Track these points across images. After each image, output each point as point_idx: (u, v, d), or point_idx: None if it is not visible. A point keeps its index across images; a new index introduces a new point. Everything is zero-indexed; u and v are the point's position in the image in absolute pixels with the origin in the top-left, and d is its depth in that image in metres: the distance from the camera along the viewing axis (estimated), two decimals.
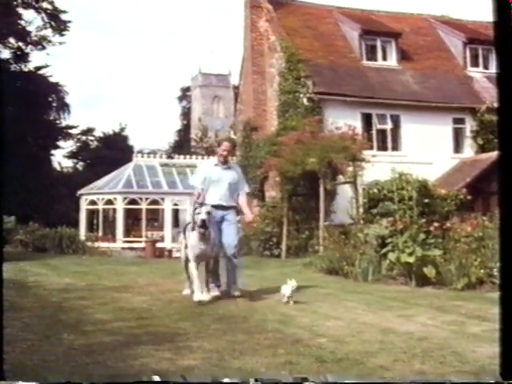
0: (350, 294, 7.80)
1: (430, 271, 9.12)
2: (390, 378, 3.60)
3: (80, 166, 44.55)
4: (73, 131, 41.08)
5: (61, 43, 32.84)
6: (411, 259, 9.28)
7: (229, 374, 3.68)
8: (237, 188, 7.36)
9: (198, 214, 6.66)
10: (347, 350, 4.36)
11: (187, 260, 7.05)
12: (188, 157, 27.58)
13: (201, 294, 6.59)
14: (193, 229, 6.77)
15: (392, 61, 22.36)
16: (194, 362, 3.97)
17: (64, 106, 36.41)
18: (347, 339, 4.79)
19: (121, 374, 3.63)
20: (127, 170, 24.97)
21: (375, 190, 15.32)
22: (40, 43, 32.04)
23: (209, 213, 6.71)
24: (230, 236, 7.19)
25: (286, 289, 6.60)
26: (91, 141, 45.08)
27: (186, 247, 7.10)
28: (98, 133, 45.28)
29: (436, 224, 10.29)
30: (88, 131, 44.08)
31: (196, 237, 6.73)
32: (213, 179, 7.23)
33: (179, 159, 26.95)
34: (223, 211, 7.23)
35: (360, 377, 3.46)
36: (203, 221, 6.59)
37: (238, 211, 7.47)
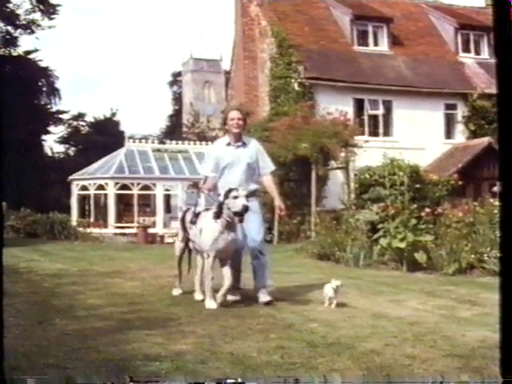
0: (342, 279, 7.79)
1: (421, 256, 9.17)
2: (380, 362, 3.62)
3: (71, 151, 44.39)
4: (64, 116, 40.99)
5: (50, 27, 32.63)
6: (402, 245, 9.33)
7: (220, 358, 3.70)
8: (256, 168, 6.11)
9: (235, 197, 5.41)
10: (338, 335, 4.38)
11: (183, 254, 6.29)
12: (180, 142, 27.50)
13: (213, 301, 5.51)
14: (217, 216, 5.53)
15: (383, 46, 22.35)
16: (185, 347, 3.97)
17: (54, 91, 36.21)
18: (339, 324, 4.81)
19: (113, 359, 3.64)
20: (119, 156, 24.87)
21: (367, 176, 15.34)
22: (29, 27, 31.79)
23: (248, 195, 5.53)
24: (254, 228, 5.90)
25: (328, 289, 5.61)
26: (82, 126, 44.90)
27: (183, 239, 6.17)
28: (89, 118, 45.15)
29: (427, 209, 10.32)
30: (79, 116, 43.87)
31: (220, 226, 5.51)
32: (226, 162, 5.98)
33: (171, 144, 26.85)
34: None
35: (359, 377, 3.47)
36: (245, 207, 5.39)
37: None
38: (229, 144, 6.06)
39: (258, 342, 4.16)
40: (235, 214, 5.43)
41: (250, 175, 6.05)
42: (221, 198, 5.55)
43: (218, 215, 5.51)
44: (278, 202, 6.11)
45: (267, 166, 6.21)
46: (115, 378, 3.25)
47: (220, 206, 5.52)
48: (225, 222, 5.50)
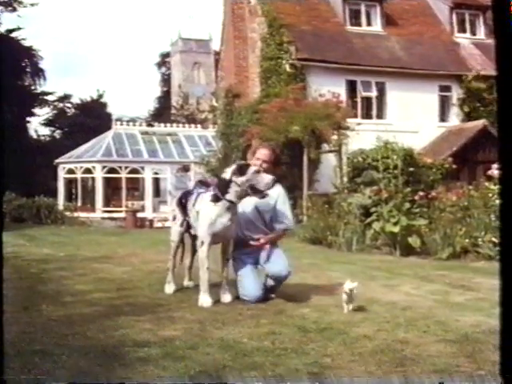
0: (334, 264, 7.87)
1: (414, 241, 9.23)
2: (372, 347, 3.64)
3: (57, 133, 44.09)
4: (49, 98, 40.70)
5: (32, 5, 32.23)
6: (396, 229, 9.38)
7: (210, 343, 3.71)
8: (267, 219, 5.36)
9: (257, 172, 4.90)
10: (330, 320, 4.40)
11: (181, 241, 5.82)
12: (169, 125, 27.43)
13: (208, 298, 5.00)
14: (215, 199, 5.01)
15: (377, 26, 22.22)
16: (175, 333, 3.98)
17: (39, 72, 35.92)
18: (330, 309, 4.83)
19: (101, 345, 3.64)
20: (106, 138, 24.80)
21: (360, 159, 15.37)
22: (10, 4, 31.39)
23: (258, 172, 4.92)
24: (279, 262, 5.19)
25: (342, 293, 4.91)
26: (68, 108, 44.57)
27: (182, 224, 5.61)
28: (75, 99, 44.78)
29: (421, 193, 10.37)
30: (65, 98, 43.52)
31: (219, 209, 4.99)
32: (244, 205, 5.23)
33: (160, 127, 26.81)
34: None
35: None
36: (274, 180, 4.87)
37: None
38: None
39: (248, 327, 4.17)
40: (257, 191, 4.87)
41: (253, 221, 5.32)
42: (227, 175, 5.00)
43: (216, 198, 5.00)
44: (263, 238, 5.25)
45: (284, 219, 5.37)
46: (103, 365, 3.25)
47: (226, 185, 4.96)
48: (226, 205, 4.97)
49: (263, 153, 5.31)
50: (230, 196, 4.97)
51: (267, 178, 4.88)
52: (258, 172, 4.90)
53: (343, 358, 3.43)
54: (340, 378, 3.07)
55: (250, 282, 5.17)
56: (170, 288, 5.66)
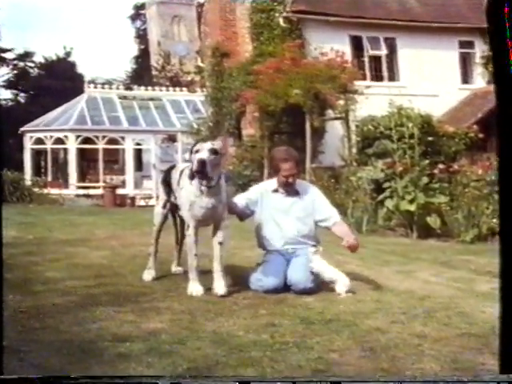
0: (342, 247, 7.86)
1: (434, 221, 9.24)
2: (385, 341, 3.65)
3: (21, 97, 43.75)
4: (7, 55, 40.25)
5: None
6: (412, 207, 9.38)
7: (201, 337, 3.72)
8: (312, 218, 5.55)
9: (197, 151, 4.94)
10: (338, 311, 4.42)
11: (163, 224, 5.81)
12: (150, 88, 27.27)
13: (198, 286, 5.06)
14: (191, 177, 5.05)
15: None
16: (160, 325, 3.99)
17: None
18: (338, 298, 4.85)
19: (75, 340, 3.64)
20: (79, 104, 24.67)
21: (370, 127, 15.33)
22: None
23: (214, 151, 4.97)
24: (300, 270, 5.22)
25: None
26: (31, 67, 44.06)
27: (165, 205, 5.73)
28: (39, 58, 44.27)
29: (441, 166, 10.37)
30: (26, 56, 42.98)
31: (195, 188, 5.07)
32: (269, 211, 5.50)
33: (140, 91, 26.66)
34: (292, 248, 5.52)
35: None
36: (202, 162, 4.87)
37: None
38: (276, 190, 5.55)
39: (245, 318, 4.19)
40: (196, 171, 4.91)
41: (306, 228, 5.52)
42: (187, 156, 5.23)
43: (192, 175, 5.02)
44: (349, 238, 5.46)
45: (330, 215, 5.58)
46: (78, 362, 3.26)
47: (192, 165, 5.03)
48: (200, 185, 5.02)
49: (286, 168, 5.43)
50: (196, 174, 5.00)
51: (197, 157, 4.88)
52: (196, 151, 4.94)
53: (352, 353, 3.45)
54: (348, 376, 3.09)
55: (273, 269, 5.25)
56: (149, 274, 5.72)
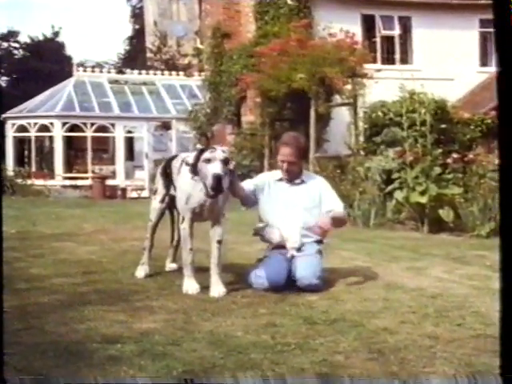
0: (348, 242, 7.89)
1: (446, 214, 9.24)
2: (394, 343, 3.66)
3: (3, 81, 43.71)
4: None
5: None
6: (423, 199, 9.39)
7: (197, 338, 3.73)
8: (319, 210, 5.52)
9: (208, 161, 4.88)
10: (343, 310, 4.43)
11: (160, 219, 5.87)
12: (144, 72, 27.23)
13: (194, 283, 5.09)
14: (193, 171, 5.02)
15: None
16: (153, 326, 4.00)
17: None
18: (343, 296, 4.86)
19: (62, 342, 3.65)
20: (66, 88, 24.63)
21: (379, 114, 15.28)
22: None
23: (227, 161, 4.96)
24: (306, 265, 5.21)
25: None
26: (15, 48, 44.04)
27: (163, 199, 5.73)
28: (24, 38, 44.20)
29: (455, 155, 10.35)
30: (9, 35, 42.94)
31: (195, 182, 5.05)
32: (275, 201, 5.53)
33: (133, 75, 26.62)
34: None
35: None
36: (218, 179, 4.81)
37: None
38: (281, 179, 5.61)
39: (244, 318, 4.20)
40: (211, 188, 4.85)
41: (311, 219, 5.45)
42: (189, 159, 5.06)
43: (194, 171, 5.01)
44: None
45: (333, 205, 5.51)
46: (65, 365, 3.26)
47: (193, 162, 5.03)
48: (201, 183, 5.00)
49: (284, 153, 5.50)
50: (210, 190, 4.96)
51: (211, 170, 4.83)
52: (208, 161, 4.88)
53: (358, 355, 3.45)
54: (355, 380, 3.10)
55: (275, 264, 5.25)
56: (141, 271, 5.75)
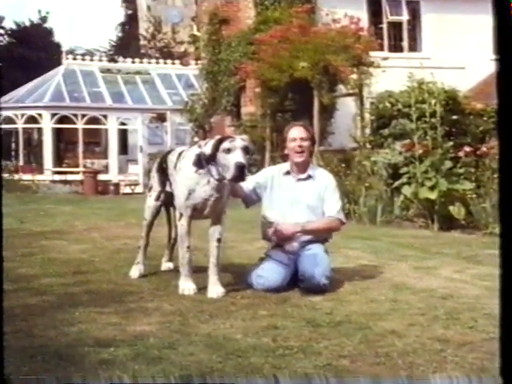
0: (353, 240, 7.89)
1: (457, 210, 9.24)
2: (403, 346, 3.66)
3: None
4: None
5: None
6: (433, 195, 9.39)
7: (194, 341, 3.73)
8: (321, 209, 5.53)
9: (228, 151, 4.86)
10: (349, 311, 4.44)
11: (156, 217, 5.86)
12: (137, 60, 27.20)
13: (191, 283, 5.10)
14: (198, 164, 5.04)
15: None
16: (148, 328, 4.00)
17: None
18: (349, 297, 4.88)
19: (51, 345, 3.65)
20: (56, 77, 24.60)
21: (387, 105, 15.26)
22: None
23: (247, 149, 4.96)
24: (314, 264, 5.18)
25: None
26: (0, 35, 44.05)
27: (159, 196, 5.73)
28: (9, 23, 44.17)
29: (467, 148, 10.35)
30: None
31: (200, 176, 5.05)
32: (279, 197, 5.52)
33: (126, 63, 26.59)
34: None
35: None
36: (242, 167, 4.81)
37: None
38: (288, 173, 5.59)
39: (243, 320, 4.21)
40: (233, 178, 4.87)
41: (315, 216, 5.48)
42: (206, 149, 4.95)
43: (200, 164, 5.02)
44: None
45: (329, 209, 5.50)
46: (55, 370, 3.27)
47: (202, 155, 5.00)
48: (208, 176, 5.01)
49: (296, 132, 5.49)
50: (213, 168, 4.98)
51: (233, 160, 4.81)
52: (228, 151, 4.86)
53: (365, 359, 3.46)
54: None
55: (278, 264, 5.28)
56: (136, 270, 5.75)
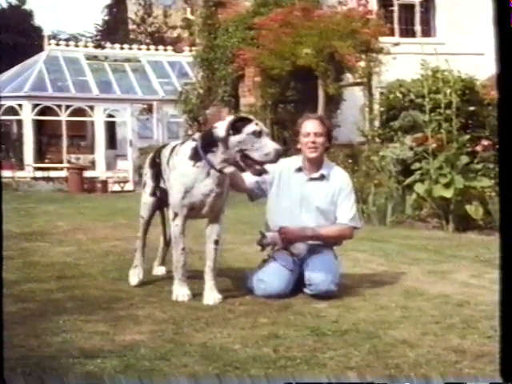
0: (361, 242, 7.89)
1: (475, 210, 9.24)
2: (415, 357, 3.67)
3: None
4: None
5: None
6: (448, 193, 9.39)
7: (189, 351, 3.74)
8: (333, 214, 5.48)
9: (258, 134, 4.79)
10: (356, 319, 4.44)
11: (153, 215, 5.84)
12: (126, 46, 27.18)
13: (185, 289, 5.11)
14: (195, 157, 4.98)
15: None
16: (139, 337, 4.01)
17: None
18: (356, 304, 4.89)
19: (33, 356, 3.66)
20: (37, 64, 24.57)
21: (398, 95, 15.29)
22: None
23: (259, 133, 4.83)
24: (322, 269, 5.21)
25: None
26: None
27: (153, 192, 5.69)
28: None
29: (485, 142, 10.34)
30: None
31: (198, 170, 4.97)
32: (288, 197, 5.47)
33: (113, 49, 26.57)
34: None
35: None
36: (278, 151, 4.82)
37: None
38: (299, 170, 5.52)
39: (242, 329, 4.22)
40: (250, 163, 4.82)
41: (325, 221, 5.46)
42: (220, 132, 4.83)
43: (197, 155, 4.95)
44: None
45: (342, 215, 5.46)
46: (37, 383, 3.27)
47: (212, 143, 4.90)
48: (207, 167, 4.94)
49: (311, 126, 5.42)
50: (213, 158, 4.91)
51: (271, 145, 4.79)
52: (258, 134, 4.78)
53: (374, 371, 3.46)
54: None
55: (280, 268, 5.26)
56: (134, 276, 5.69)
